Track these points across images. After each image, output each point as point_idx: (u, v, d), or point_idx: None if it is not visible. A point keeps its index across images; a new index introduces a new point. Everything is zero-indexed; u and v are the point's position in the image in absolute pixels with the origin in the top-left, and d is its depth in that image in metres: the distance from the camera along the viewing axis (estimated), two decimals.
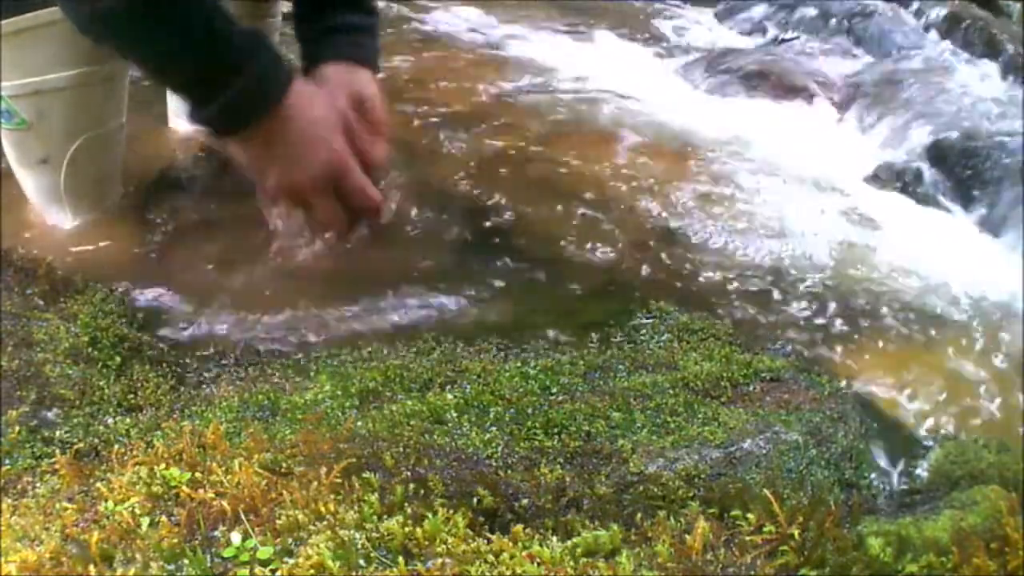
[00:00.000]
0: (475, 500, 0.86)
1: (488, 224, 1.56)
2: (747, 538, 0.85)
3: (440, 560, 0.77)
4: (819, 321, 1.42)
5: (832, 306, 1.45)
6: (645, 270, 1.48)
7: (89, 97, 1.34)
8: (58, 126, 1.34)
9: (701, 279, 1.48)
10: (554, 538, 0.82)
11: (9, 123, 1.32)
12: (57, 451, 0.96)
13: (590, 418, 1.05)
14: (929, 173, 1.90)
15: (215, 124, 1.10)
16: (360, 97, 1.26)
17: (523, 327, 1.32)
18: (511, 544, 0.80)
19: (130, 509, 0.83)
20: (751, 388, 1.16)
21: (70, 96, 1.31)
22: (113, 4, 1.01)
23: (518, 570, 0.77)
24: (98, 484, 0.87)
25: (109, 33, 1.07)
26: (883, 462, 1.13)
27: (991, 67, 2.30)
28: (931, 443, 1.18)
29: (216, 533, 0.80)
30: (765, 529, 0.86)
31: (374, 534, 0.79)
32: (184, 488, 0.85)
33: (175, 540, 0.78)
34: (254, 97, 1.07)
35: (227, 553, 0.78)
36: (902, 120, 2.05)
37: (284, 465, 0.89)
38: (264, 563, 0.76)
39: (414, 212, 1.56)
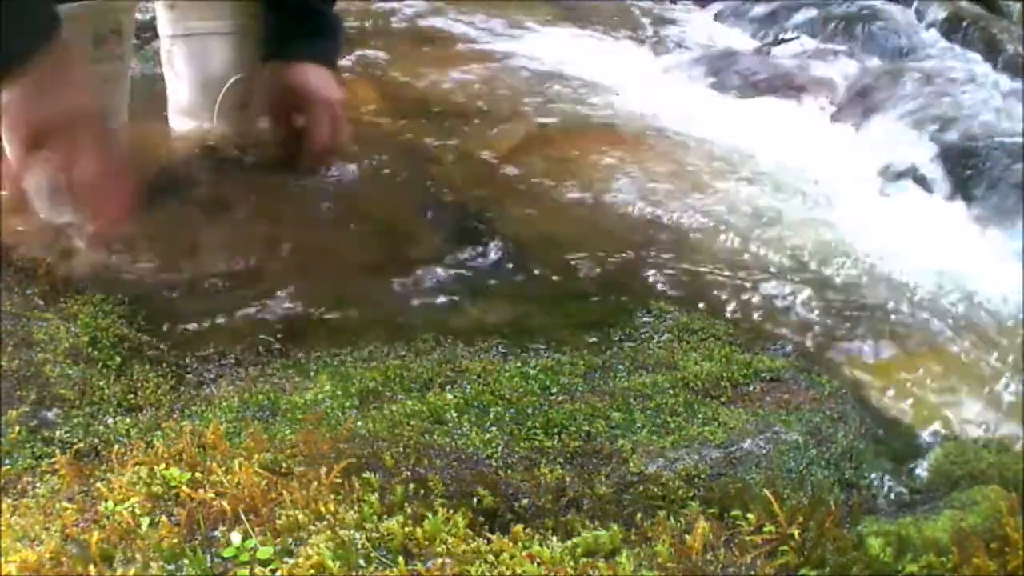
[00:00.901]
0: (475, 500, 0.86)
1: (488, 224, 1.56)
2: (747, 538, 0.85)
3: (440, 560, 0.77)
4: (819, 321, 1.41)
5: (832, 306, 1.45)
6: (645, 270, 1.48)
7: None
8: None
9: (701, 279, 1.48)
10: (554, 538, 0.82)
11: None
12: (57, 451, 0.96)
13: (590, 418, 1.05)
14: (929, 173, 1.90)
15: None
16: (299, 84, 1.30)
17: (523, 327, 1.32)
18: (511, 544, 0.80)
19: (130, 509, 0.83)
20: (751, 388, 1.16)
21: None
22: None
23: (518, 570, 0.77)
24: (98, 484, 0.87)
25: None
26: (883, 462, 1.13)
27: (991, 67, 2.30)
28: (931, 443, 1.18)
29: (216, 533, 0.80)
30: (765, 529, 0.86)
31: (374, 534, 0.79)
32: (184, 488, 0.85)
33: (175, 540, 0.78)
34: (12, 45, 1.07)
35: (227, 553, 0.78)
36: (902, 120, 2.05)
37: (284, 465, 0.89)
38: (264, 563, 0.76)
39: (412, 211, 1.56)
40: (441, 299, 1.37)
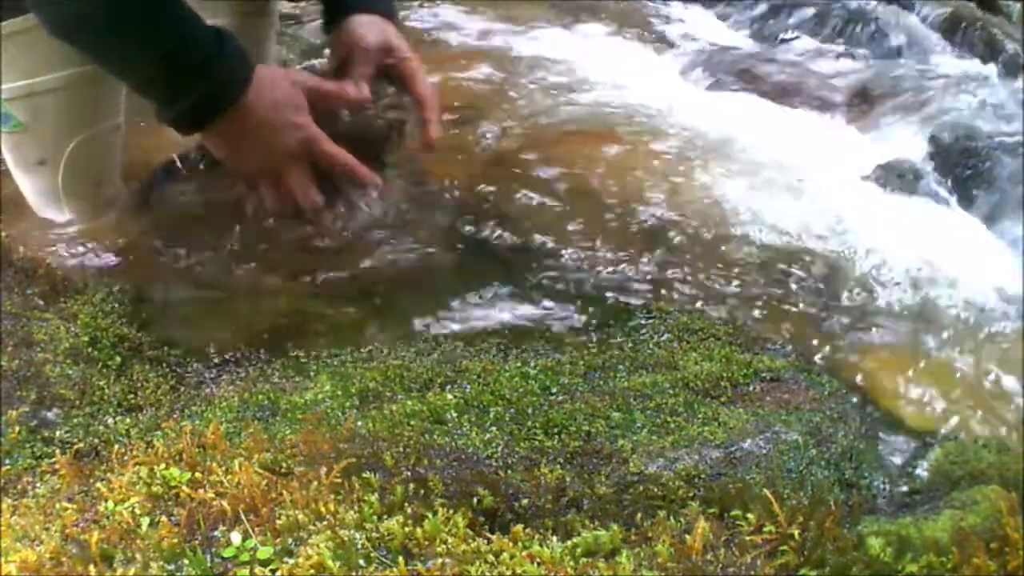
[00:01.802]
0: (475, 500, 0.86)
1: (486, 224, 1.56)
2: (747, 538, 0.85)
3: (440, 560, 0.77)
4: (819, 321, 1.41)
5: (832, 305, 1.45)
6: (645, 270, 1.48)
7: (85, 97, 1.34)
8: (54, 127, 1.34)
9: (701, 279, 1.48)
10: (554, 538, 0.82)
11: (5, 126, 1.32)
12: (57, 451, 0.96)
13: (590, 418, 1.05)
14: (929, 173, 1.89)
15: (182, 122, 1.13)
16: (389, 46, 1.28)
17: (523, 327, 1.32)
18: (511, 544, 0.80)
19: (130, 509, 0.83)
20: (751, 388, 1.16)
21: (65, 97, 1.31)
22: (83, 7, 1.02)
23: (518, 570, 0.77)
24: (98, 484, 0.87)
25: (79, 35, 1.09)
26: (883, 462, 1.13)
27: (991, 67, 2.30)
28: (931, 443, 1.18)
29: (216, 533, 0.80)
30: (765, 529, 0.86)
31: (374, 534, 0.79)
32: (184, 488, 0.85)
33: (175, 540, 0.78)
34: (218, 94, 1.12)
35: (227, 553, 0.78)
36: (902, 120, 2.05)
37: (284, 465, 0.89)
38: (264, 563, 0.76)
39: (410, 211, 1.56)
40: (441, 297, 1.37)
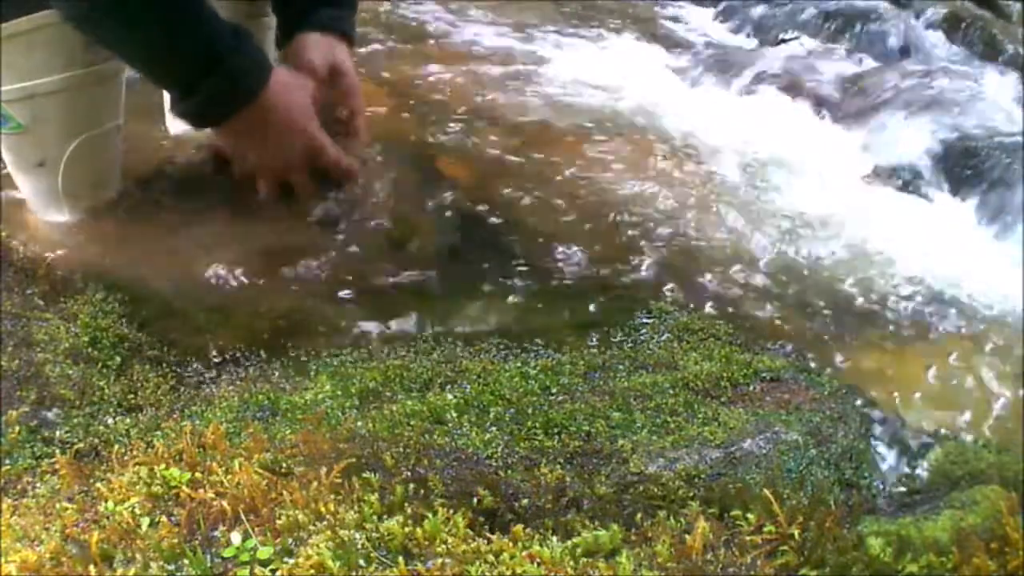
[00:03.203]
0: (475, 500, 0.86)
1: (486, 223, 1.56)
2: (747, 538, 0.85)
3: (440, 560, 0.77)
4: (819, 321, 1.41)
5: (832, 306, 1.45)
6: (645, 270, 1.48)
7: (84, 99, 1.34)
8: (54, 129, 1.34)
9: (701, 279, 1.48)
10: (554, 538, 0.82)
11: (5, 127, 1.32)
12: (57, 451, 0.96)
13: (590, 418, 1.05)
14: (929, 173, 1.89)
15: (198, 114, 1.16)
16: (335, 67, 1.30)
17: (523, 327, 1.32)
18: (511, 544, 0.80)
19: (130, 509, 0.83)
20: (751, 388, 1.16)
21: (65, 98, 1.31)
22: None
23: (518, 570, 0.77)
24: (98, 484, 0.87)
25: (100, 26, 1.10)
26: (883, 462, 1.13)
27: (991, 67, 2.30)
28: (931, 443, 1.18)
29: (216, 533, 0.80)
30: (765, 529, 0.86)
31: (374, 534, 0.79)
32: (184, 488, 0.85)
33: (175, 540, 0.78)
34: (236, 89, 1.13)
35: (227, 553, 0.78)
36: (902, 120, 2.05)
37: (284, 465, 0.89)
38: (264, 563, 0.76)
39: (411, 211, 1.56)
40: (441, 297, 1.37)
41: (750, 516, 0.88)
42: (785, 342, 1.34)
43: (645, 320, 1.35)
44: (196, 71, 1.12)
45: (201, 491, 0.84)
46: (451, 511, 0.83)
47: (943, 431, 1.21)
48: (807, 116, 2.18)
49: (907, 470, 1.12)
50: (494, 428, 1.03)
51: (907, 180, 1.88)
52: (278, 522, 0.80)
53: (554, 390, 1.13)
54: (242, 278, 1.36)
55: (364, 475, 0.87)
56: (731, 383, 1.16)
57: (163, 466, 0.88)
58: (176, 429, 0.99)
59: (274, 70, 1.18)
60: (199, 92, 1.13)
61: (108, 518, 0.82)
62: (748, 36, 2.76)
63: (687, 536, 0.84)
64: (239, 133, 1.19)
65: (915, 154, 1.94)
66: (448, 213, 1.57)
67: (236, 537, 0.79)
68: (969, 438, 1.19)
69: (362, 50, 2.20)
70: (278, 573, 0.75)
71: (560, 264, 1.48)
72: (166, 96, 1.68)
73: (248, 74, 1.15)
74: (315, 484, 0.84)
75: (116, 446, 0.96)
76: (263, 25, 1.58)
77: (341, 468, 0.86)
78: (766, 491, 0.89)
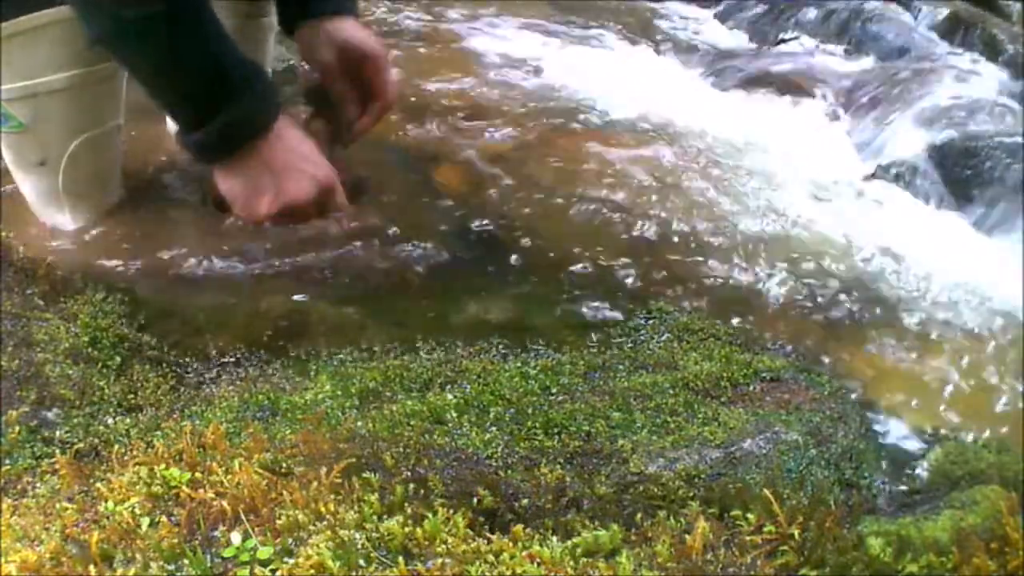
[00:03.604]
0: (475, 500, 0.86)
1: (486, 223, 1.56)
2: (747, 538, 0.85)
3: (440, 560, 0.77)
4: (819, 321, 1.41)
5: (832, 306, 1.45)
6: (645, 270, 1.48)
7: (85, 98, 1.34)
8: (55, 128, 1.34)
9: (701, 279, 1.48)
10: (554, 538, 0.82)
11: (6, 126, 1.32)
12: (57, 451, 0.96)
13: (590, 418, 1.05)
14: (929, 173, 1.89)
15: (205, 147, 1.11)
16: (349, 45, 1.27)
17: (523, 327, 1.32)
18: (511, 544, 0.80)
19: (130, 509, 0.83)
20: (751, 388, 1.16)
21: (66, 98, 1.31)
22: (133, 14, 1.02)
23: (518, 570, 0.77)
24: (98, 484, 0.87)
25: (123, 47, 1.08)
26: (883, 462, 1.13)
27: (991, 67, 2.30)
28: (931, 443, 1.18)
29: (216, 533, 0.80)
30: (765, 529, 0.86)
31: (374, 534, 0.79)
32: (184, 488, 0.85)
33: (175, 540, 0.78)
34: (245, 124, 1.10)
35: (227, 553, 0.78)
36: (902, 120, 2.05)
37: (284, 465, 0.89)
38: (264, 563, 0.76)
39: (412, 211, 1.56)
40: (441, 297, 1.37)
41: (750, 516, 0.88)
42: (785, 342, 1.34)
43: (645, 320, 1.35)
44: (209, 103, 1.09)
45: (201, 491, 0.84)
46: (451, 511, 0.83)
47: (943, 431, 1.21)
48: (807, 116, 2.18)
49: (907, 470, 1.12)
50: (494, 428, 1.03)
51: (907, 180, 1.88)
52: (278, 522, 0.80)
53: (554, 390, 1.13)
54: (242, 278, 1.36)
55: (364, 475, 0.87)
56: (731, 383, 1.16)
57: (163, 466, 0.88)
58: (176, 429, 0.99)
59: (286, 109, 1.16)
60: (209, 124, 1.09)
61: (108, 518, 0.82)
62: (748, 36, 2.76)
63: (687, 536, 0.84)
64: (242, 170, 1.13)
65: (915, 154, 1.94)
66: (447, 213, 1.57)
67: (236, 537, 0.79)
68: (969, 438, 1.19)
69: None
70: (278, 573, 0.75)
71: (560, 264, 1.48)
72: None
73: (259, 110, 1.10)
74: (315, 484, 0.84)
75: (116, 446, 0.95)
76: (263, 25, 1.59)
77: (341, 468, 0.86)
78: (766, 491, 0.89)
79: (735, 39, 2.75)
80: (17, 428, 0.98)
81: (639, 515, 0.89)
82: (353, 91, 1.30)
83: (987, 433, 1.21)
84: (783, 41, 2.63)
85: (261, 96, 1.10)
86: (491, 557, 0.78)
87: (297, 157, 1.14)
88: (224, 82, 1.08)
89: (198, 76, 1.08)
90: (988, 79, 2.20)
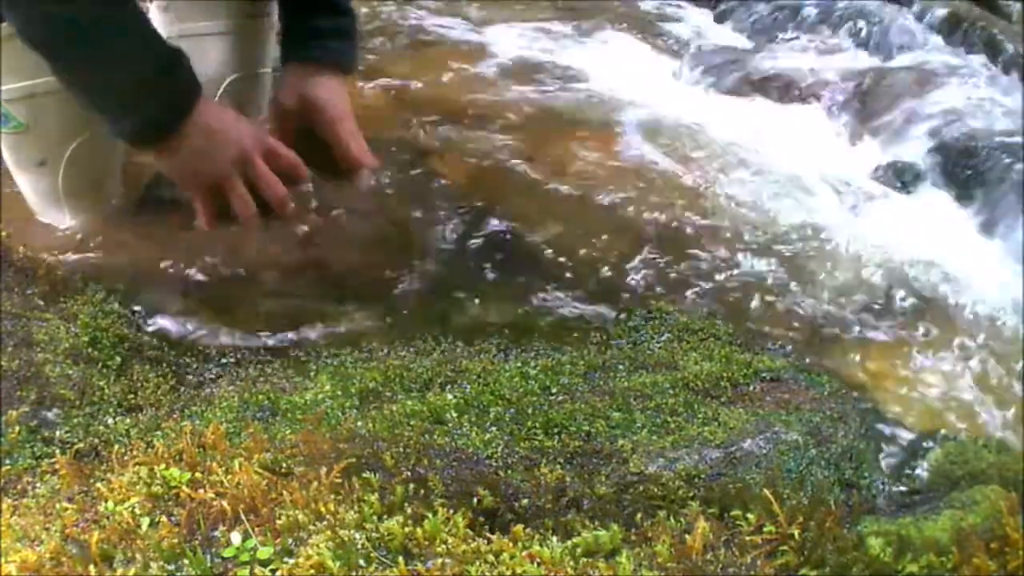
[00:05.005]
0: (475, 500, 0.86)
1: (486, 223, 1.56)
2: (747, 538, 0.85)
3: (440, 560, 0.77)
4: (819, 321, 1.42)
5: (832, 306, 1.45)
6: (645, 270, 1.48)
7: None
8: (55, 128, 1.34)
9: (701, 279, 1.48)
10: (554, 538, 0.82)
11: (6, 126, 1.32)
12: (57, 451, 0.96)
13: (590, 418, 1.05)
14: (929, 173, 1.89)
15: (134, 136, 1.18)
16: (309, 99, 1.32)
17: (523, 327, 1.32)
18: (511, 544, 0.80)
19: (130, 509, 0.83)
20: (751, 388, 1.16)
21: (66, 98, 1.31)
22: (56, 10, 1.06)
23: (518, 570, 0.77)
24: (98, 484, 0.87)
25: (46, 43, 1.13)
26: (883, 462, 1.13)
27: (991, 67, 2.30)
28: (931, 443, 1.18)
29: (216, 533, 0.80)
30: (765, 529, 0.86)
31: (374, 534, 0.79)
32: (184, 488, 0.85)
33: (175, 540, 0.78)
34: (169, 112, 1.16)
35: (227, 553, 0.78)
36: (902, 120, 2.05)
37: (284, 465, 0.89)
38: (264, 563, 0.76)
39: (414, 211, 1.56)
40: (441, 298, 1.37)
41: (750, 516, 0.88)
42: (785, 342, 1.34)
43: (645, 320, 1.35)
44: (134, 94, 1.15)
45: (201, 491, 0.84)
46: (451, 511, 0.83)
47: (943, 431, 1.21)
48: (807, 116, 2.18)
49: (907, 470, 1.12)
50: (494, 428, 1.03)
51: (907, 180, 1.88)
52: (278, 522, 0.80)
53: (554, 390, 1.13)
54: (242, 278, 1.36)
55: (364, 475, 0.87)
56: (731, 383, 1.16)
57: (163, 466, 0.88)
58: (176, 429, 0.99)
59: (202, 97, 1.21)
60: (135, 115, 1.16)
61: (108, 518, 0.82)
62: (748, 36, 2.76)
63: (687, 536, 0.84)
64: (173, 150, 1.20)
65: (915, 154, 1.94)
66: (447, 213, 1.57)
67: (236, 537, 0.79)
68: (969, 438, 1.19)
69: (363, 51, 2.20)
70: (278, 573, 0.75)
71: (560, 263, 1.48)
72: None
73: (181, 97, 1.18)
74: (315, 484, 0.84)
75: (116, 446, 0.96)
76: (263, 25, 1.58)
77: (341, 468, 0.86)
78: (766, 491, 0.89)
79: (735, 39, 2.75)
80: (17, 428, 0.98)
81: (639, 515, 0.89)
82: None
83: (987, 433, 1.22)
84: (783, 41, 2.63)
85: (179, 87, 1.17)
86: (491, 557, 0.78)
87: (225, 125, 1.22)
88: (147, 75, 1.15)
89: (122, 73, 1.13)
90: (988, 79, 2.20)
